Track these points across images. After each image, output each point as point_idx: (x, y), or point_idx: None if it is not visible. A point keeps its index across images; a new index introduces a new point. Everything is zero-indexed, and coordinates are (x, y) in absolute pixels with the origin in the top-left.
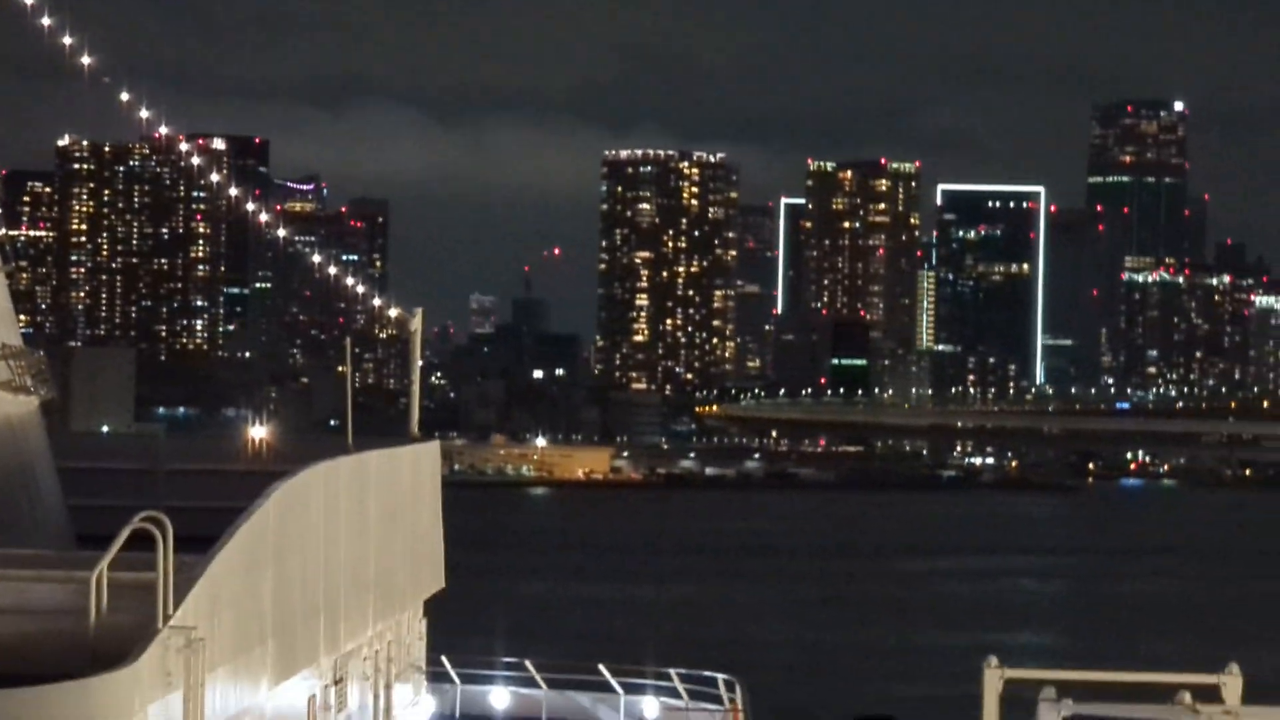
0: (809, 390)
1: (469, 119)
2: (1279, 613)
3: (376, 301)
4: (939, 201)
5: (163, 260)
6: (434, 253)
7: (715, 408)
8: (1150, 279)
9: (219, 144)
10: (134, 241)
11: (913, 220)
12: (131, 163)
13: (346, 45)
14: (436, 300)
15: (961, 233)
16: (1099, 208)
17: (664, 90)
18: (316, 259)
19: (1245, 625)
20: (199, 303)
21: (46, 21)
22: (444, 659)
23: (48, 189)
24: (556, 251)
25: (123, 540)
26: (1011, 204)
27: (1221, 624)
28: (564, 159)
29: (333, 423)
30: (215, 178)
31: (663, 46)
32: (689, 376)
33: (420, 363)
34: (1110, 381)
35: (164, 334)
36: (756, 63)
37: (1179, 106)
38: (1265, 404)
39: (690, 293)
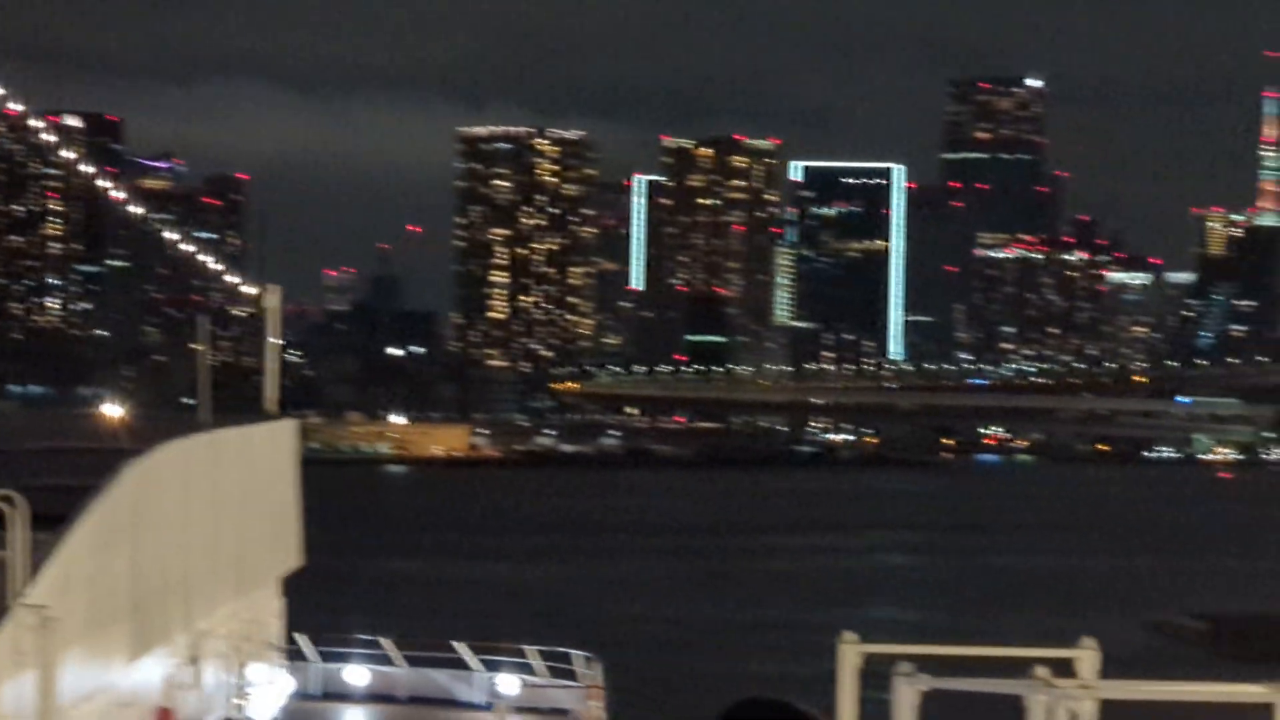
0: (667, 366)
1: (326, 95)
2: (1134, 586)
3: (232, 279)
4: (796, 178)
5: (17, 238)
6: (291, 230)
7: (573, 384)
8: (1006, 255)
9: (73, 121)
10: None
11: (770, 197)
12: None
13: (204, 20)
14: (294, 277)
15: (819, 209)
16: (955, 184)
17: (520, 66)
18: (172, 236)
19: (1102, 599)
20: (54, 281)
21: None
22: (301, 637)
23: None
24: (414, 229)
25: None
26: (868, 180)
27: (1078, 598)
28: (421, 135)
29: (189, 401)
30: (69, 155)
31: (519, 22)
32: (546, 353)
33: (276, 340)
34: (966, 357)
35: (18, 312)
36: (613, 38)
37: (1035, 83)
38: (1119, 379)
39: (548, 270)
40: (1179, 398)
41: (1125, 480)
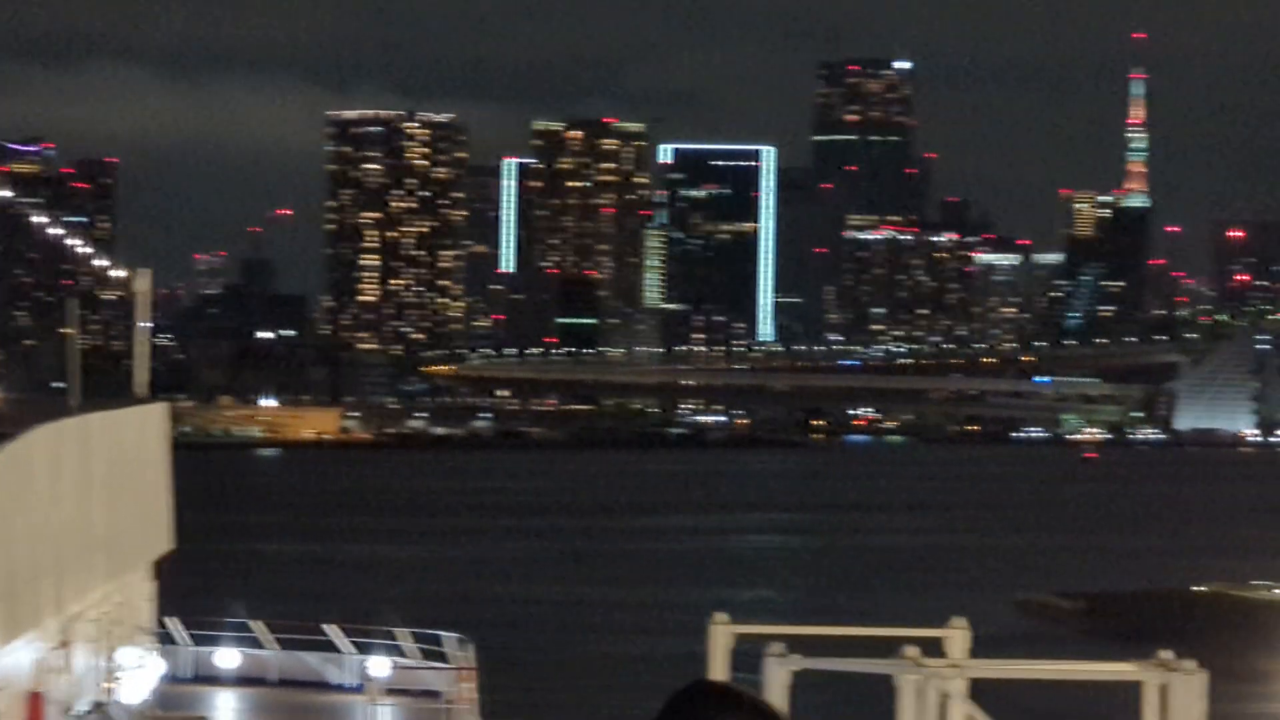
0: (538, 349)
1: (196, 78)
2: (1003, 566)
3: (102, 262)
4: (666, 160)
5: None
6: (162, 213)
7: (444, 367)
8: (875, 236)
9: None
10: None
11: (640, 179)
12: None
13: (73, 3)
14: (164, 261)
15: (689, 191)
16: (825, 166)
17: (388, 47)
18: (40, 220)
19: (972, 578)
20: None
21: None
22: (172, 620)
23: None
24: (284, 212)
25: None
26: (738, 162)
27: (948, 577)
28: (289, 118)
29: (58, 385)
30: None
31: (386, 2)
32: (417, 336)
33: (146, 324)
34: (837, 338)
35: None
36: (481, 18)
37: (903, 65)
38: (988, 360)
39: (418, 252)
40: (1038, 378)
41: (994, 460)
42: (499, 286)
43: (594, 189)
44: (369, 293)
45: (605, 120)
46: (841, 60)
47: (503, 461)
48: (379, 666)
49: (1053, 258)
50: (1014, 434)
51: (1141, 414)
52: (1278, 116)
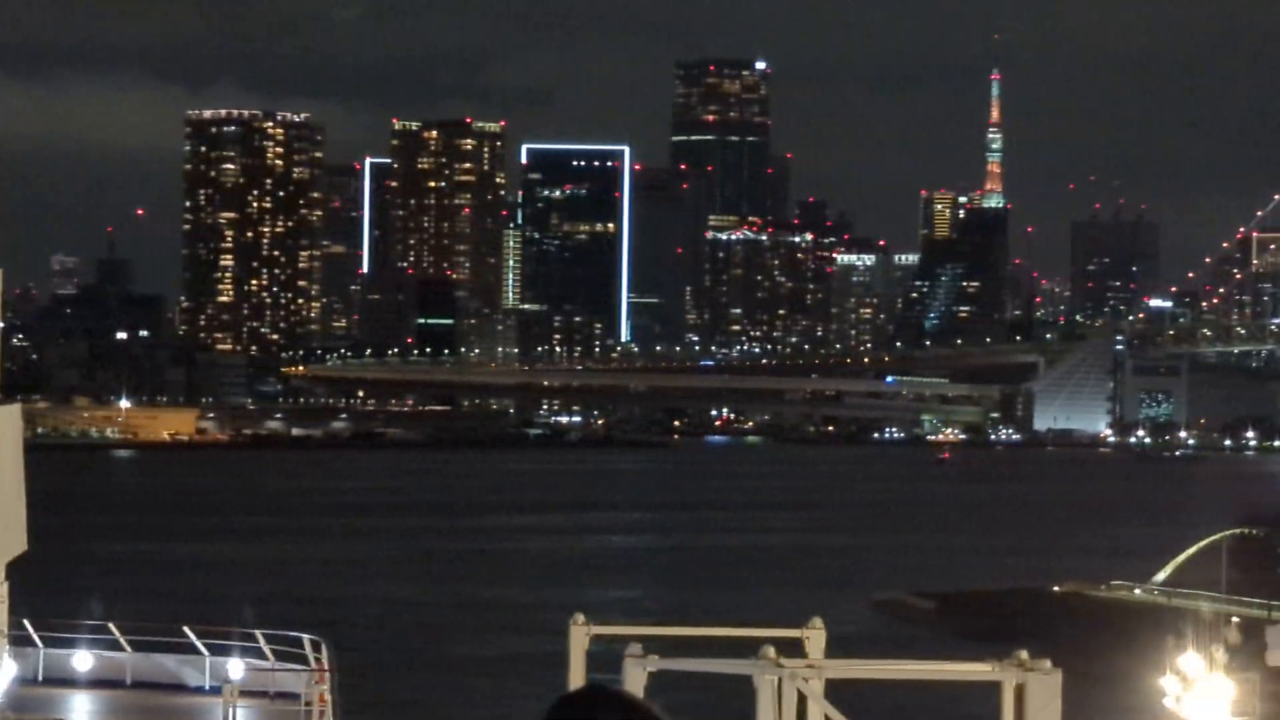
0: (396, 350)
1: (47, 75)
2: (861, 565)
3: None
4: (524, 160)
5: None
6: (15, 213)
7: (301, 368)
8: (734, 237)
9: None
10: None
11: (498, 179)
12: None
13: None
14: (18, 261)
15: (547, 191)
16: (683, 166)
17: (245, 46)
18: None
19: (829, 578)
20: None
21: None
22: (26, 622)
23: None
24: (140, 212)
25: None
26: (596, 163)
27: (806, 577)
28: (145, 117)
29: None
30: None
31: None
32: (275, 337)
33: (0, 324)
34: (695, 339)
35: None
36: (338, 16)
37: (761, 65)
38: (847, 360)
39: (275, 253)
40: (889, 378)
41: (852, 460)
42: (357, 287)
43: (452, 189)
44: (226, 293)
45: (464, 120)
46: (700, 61)
47: (360, 462)
48: (235, 668)
49: (911, 258)
50: (873, 434)
51: (999, 415)
52: (1135, 118)
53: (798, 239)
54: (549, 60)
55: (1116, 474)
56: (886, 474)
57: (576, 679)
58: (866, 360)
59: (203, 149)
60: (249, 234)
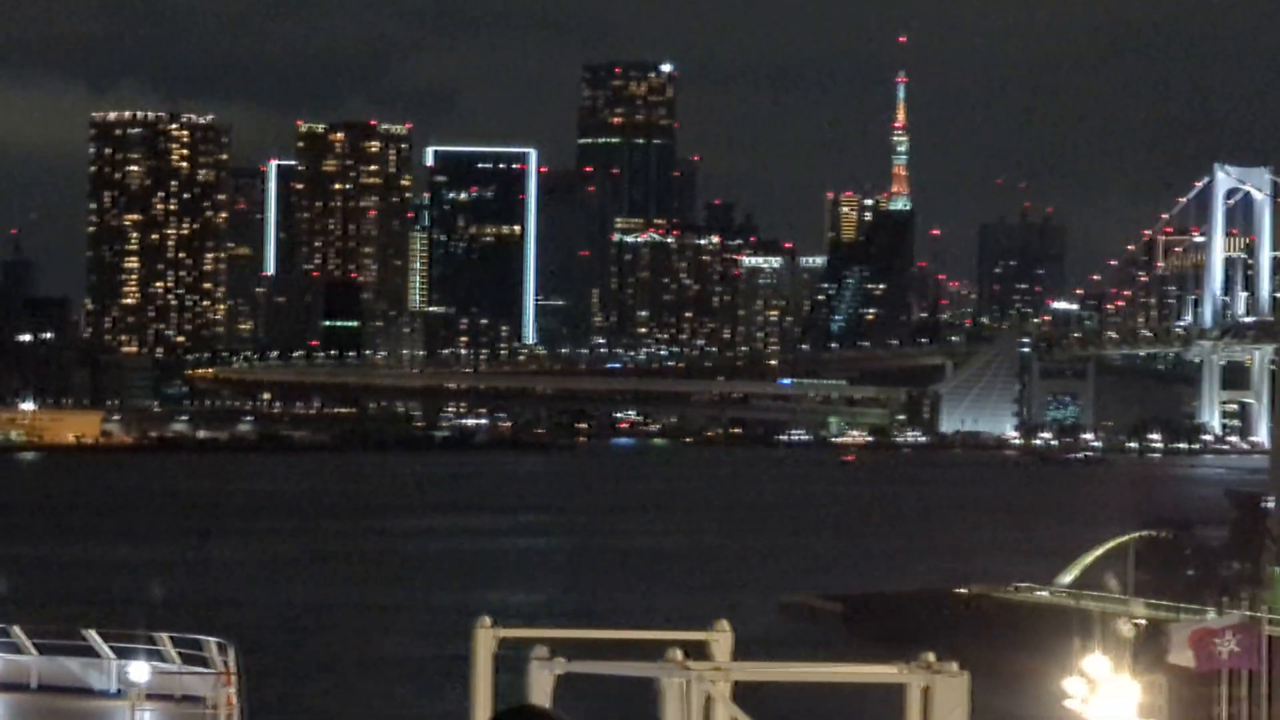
0: (301, 352)
1: None
2: (767, 567)
3: None
4: (430, 162)
5: None
6: None
7: (207, 370)
8: (640, 239)
9: None
10: None
11: (404, 181)
12: None
13: None
14: None
15: (453, 194)
16: (589, 169)
17: (149, 47)
18: None
19: (736, 580)
20: None
21: None
22: None
23: None
24: (45, 213)
25: None
26: (502, 165)
27: (713, 579)
28: (49, 118)
29: None
30: None
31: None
32: (180, 339)
33: None
34: (601, 341)
35: None
36: (240, 16)
37: (667, 68)
38: (753, 363)
39: (181, 255)
40: (784, 380)
41: (758, 462)
42: (262, 289)
43: (358, 191)
44: (131, 295)
45: (370, 123)
46: (606, 62)
47: (266, 464)
48: (140, 671)
49: (817, 261)
50: (779, 437)
51: (906, 417)
52: (1040, 121)
53: (704, 241)
54: (453, 62)
55: (1022, 476)
56: (792, 476)
57: (483, 682)
58: (773, 363)
59: (107, 151)
60: (154, 236)
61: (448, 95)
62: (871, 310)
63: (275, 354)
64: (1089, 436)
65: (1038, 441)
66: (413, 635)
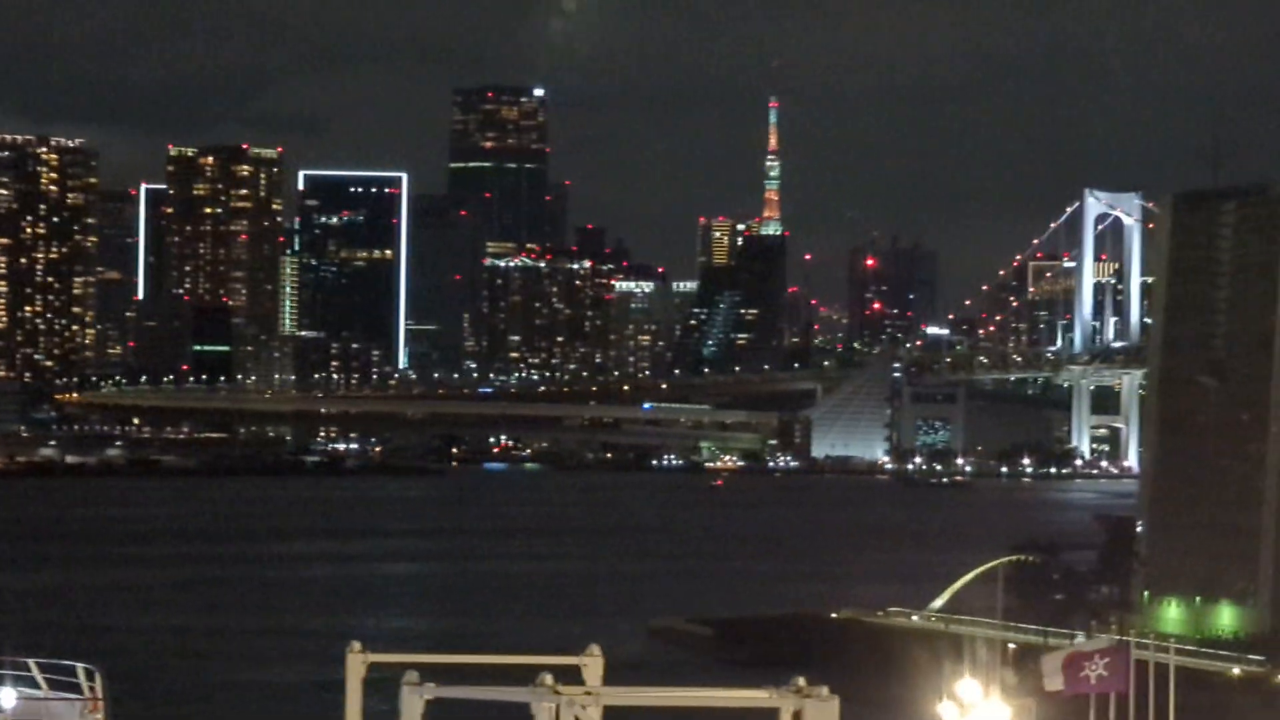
0: (171, 377)
1: None
2: (639, 592)
3: None
4: (301, 187)
5: None
6: None
7: (76, 395)
8: (512, 264)
9: None
10: None
11: (275, 205)
12: None
13: None
14: None
15: (324, 218)
16: (461, 193)
17: (17, 69)
18: None
19: (607, 604)
20: None
21: None
22: None
23: None
24: None
25: None
26: (374, 189)
27: (584, 604)
28: None
29: None
30: None
31: (14, 22)
32: (49, 364)
33: None
34: (473, 366)
35: None
36: (111, 40)
37: (539, 92)
38: (625, 387)
39: (50, 279)
40: (646, 405)
41: (630, 487)
42: (132, 314)
43: (229, 215)
44: None
45: (241, 146)
46: (478, 87)
47: (136, 489)
48: (6, 698)
49: (689, 286)
50: (651, 461)
51: (778, 442)
52: (912, 147)
53: (576, 266)
54: (324, 87)
55: (893, 501)
56: (664, 501)
57: (353, 707)
58: (645, 387)
59: None
60: (22, 260)
61: (318, 120)
62: (743, 335)
63: (145, 378)
64: (960, 461)
65: (909, 466)
66: (283, 660)
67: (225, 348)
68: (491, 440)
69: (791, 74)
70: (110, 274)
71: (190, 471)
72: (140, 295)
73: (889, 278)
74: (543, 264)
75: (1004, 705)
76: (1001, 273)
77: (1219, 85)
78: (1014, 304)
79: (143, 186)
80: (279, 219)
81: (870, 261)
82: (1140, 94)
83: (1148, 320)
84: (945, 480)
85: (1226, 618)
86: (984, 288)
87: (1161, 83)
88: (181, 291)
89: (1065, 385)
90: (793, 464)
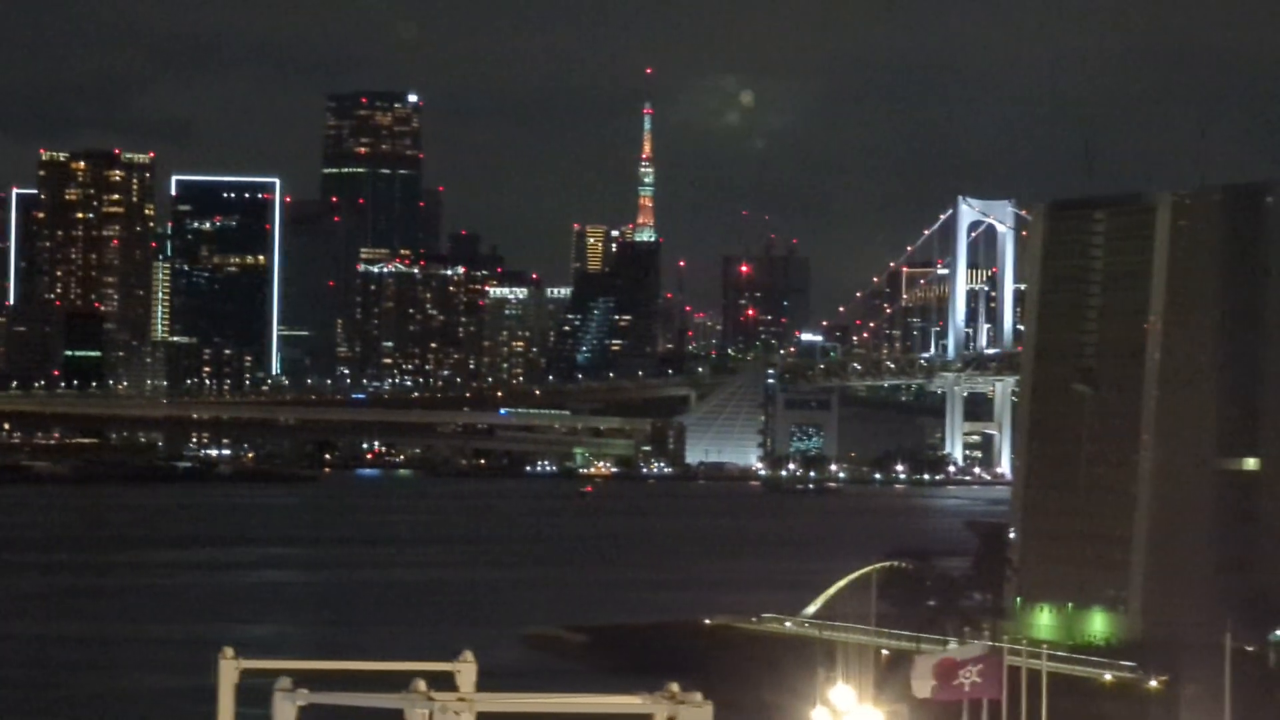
0: (42, 382)
1: None
2: (513, 599)
3: None
4: (174, 192)
5: None
6: None
7: None
8: (386, 270)
9: None
10: None
11: (148, 210)
12: None
13: None
14: None
15: (197, 224)
16: (334, 199)
17: None
18: None
19: (481, 611)
20: None
21: None
22: None
23: None
24: None
25: None
26: (247, 194)
27: (457, 611)
28: None
29: None
30: None
31: None
32: None
33: None
34: (346, 372)
35: None
36: None
37: (413, 98)
38: (499, 394)
39: None
40: (502, 410)
41: (503, 494)
42: (2, 319)
43: (100, 221)
44: None
45: (113, 151)
46: (352, 93)
47: (5, 496)
48: None
49: (563, 292)
50: (525, 468)
51: (651, 448)
52: (785, 155)
53: (450, 272)
54: (195, 93)
55: (765, 508)
56: (538, 508)
57: (225, 714)
58: (519, 394)
59: None
60: None
61: (191, 126)
62: (618, 341)
63: (15, 384)
64: (834, 467)
65: (784, 473)
66: (156, 668)
67: (97, 353)
68: (365, 446)
69: (665, 81)
70: None
71: (61, 478)
72: (11, 300)
73: (763, 284)
74: (416, 270)
75: (876, 711)
76: (875, 279)
77: (1091, 93)
78: (888, 311)
79: (14, 191)
80: (151, 224)
81: (744, 268)
82: (1013, 102)
83: (1021, 327)
84: (811, 486)
85: (1098, 624)
86: (858, 295)
87: (1034, 91)
88: (53, 297)
89: (939, 392)
90: (667, 470)
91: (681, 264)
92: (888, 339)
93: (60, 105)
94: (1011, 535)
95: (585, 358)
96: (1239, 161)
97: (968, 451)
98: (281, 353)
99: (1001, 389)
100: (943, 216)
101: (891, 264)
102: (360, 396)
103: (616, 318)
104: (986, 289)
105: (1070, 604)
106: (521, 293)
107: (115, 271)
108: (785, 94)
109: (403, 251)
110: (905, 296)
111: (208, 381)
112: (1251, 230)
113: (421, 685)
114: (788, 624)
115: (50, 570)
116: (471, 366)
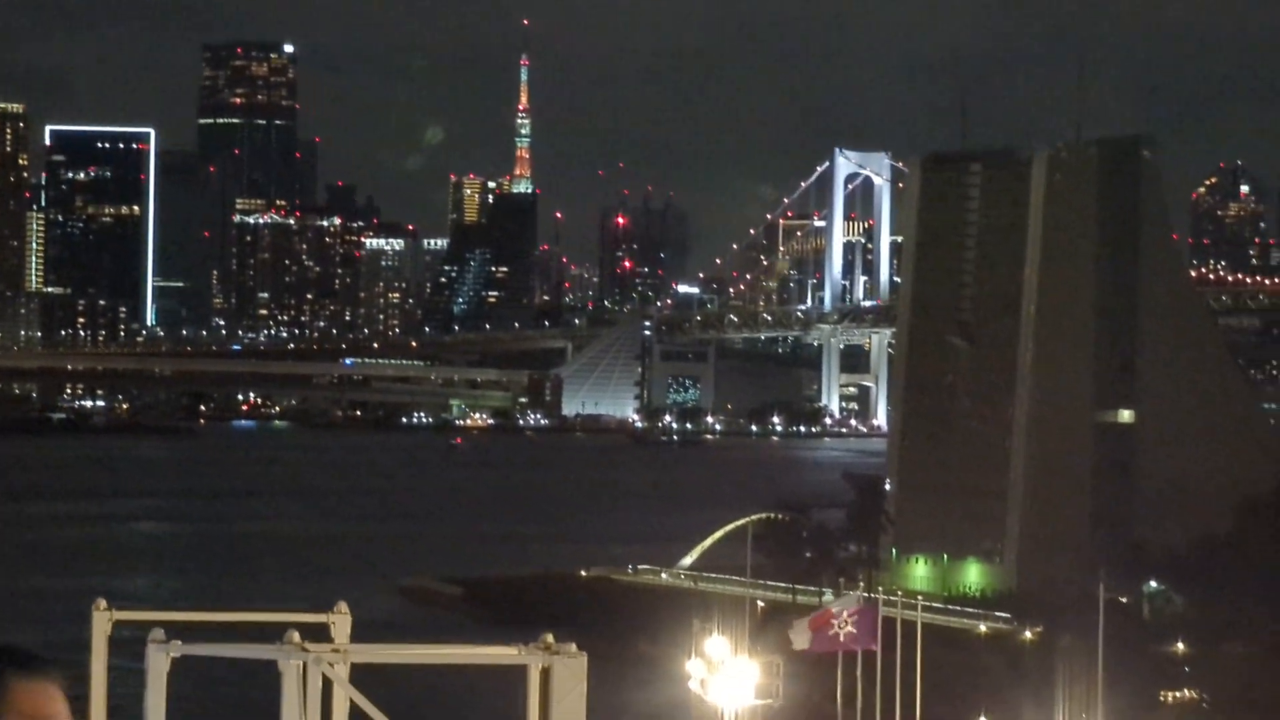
0: None
1: None
2: (387, 551)
3: None
4: (47, 142)
5: None
6: None
7: None
8: (262, 221)
9: None
10: None
11: (21, 161)
12: None
13: None
14: None
15: (71, 174)
16: (210, 149)
17: None
18: None
19: (356, 563)
20: None
21: None
22: None
23: None
24: None
25: None
26: (121, 145)
27: (333, 562)
28: None
29: None
30: None
31: None
32: None
33: None
34: (222, 323)
35: None
36: None
37: (289, 49)
38: (375, 345)
39: None
40: (347, 360)
41: (378, 446)
42: None
43: None
44: None
45: None
46: (227, 43)
47: None
48: None
49: (440, 243)
50: (401, 419)
51: (528, 400)
52: (663, 107)
53: (326, 223)
54: (68, 43)
55: (642, 461)
56: (413, 460)
57: (99, 665)
58: (395, 345)
59: None
60: None
61: (64, 76)
62: (494, 293)
63: None
64: (710, 419)
65: (660, 425)
66: (27, 621)
67: None
68: (240, 398)
69: (542, 32)
70: None
71: None
72: None
73: (640, 237)
74: (292, 221)
75: (752, 662)
76: (752, 232)
77: (967, 47)
78: (764, 263)
79: None
80: (25, 174)
81: (621, 220)
82: (889, 55)
83: (897, 280)
84: (678, 439)
85: (973, 576)
86: (734, 247)
87: (910, 44)
88: None
89: (815, 344)
90: (543, 422)
91: (558, 216)
92: (764, 291)
93: None
94: (887, 487)
95: (462, 309)
96: (1118, 116)
97: (844, 404)
98: (157, 304)
99: (878, 341)
100: (820, 169)
101: (769, 216)
102: (236, 348)
103: (493, 269)
104: (863, 241)
105: (946, 556)
106: (398, 244)
107: None
108: (665, 46)
109: (279, 202)
110: (782, 249)
111: (82, 332)
112: (1126, 184)
113: (295, 637)
114: (664, 575)
115: None
116: (348, 318)
